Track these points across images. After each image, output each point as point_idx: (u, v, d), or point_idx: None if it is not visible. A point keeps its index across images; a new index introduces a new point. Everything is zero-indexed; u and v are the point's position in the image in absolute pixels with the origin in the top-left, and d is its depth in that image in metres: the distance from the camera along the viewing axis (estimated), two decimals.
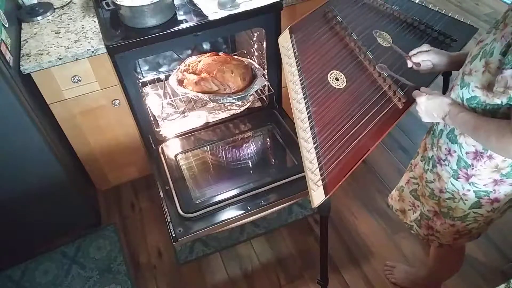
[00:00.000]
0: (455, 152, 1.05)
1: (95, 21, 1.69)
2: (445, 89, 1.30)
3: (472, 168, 1.03)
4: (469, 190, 1.08)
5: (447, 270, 1.51)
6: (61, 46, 1.57)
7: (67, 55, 1.53)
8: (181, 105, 2.08)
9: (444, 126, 1.09)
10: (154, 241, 1.95)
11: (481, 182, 1.04)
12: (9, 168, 1.58)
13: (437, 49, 1.16)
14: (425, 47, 1.16)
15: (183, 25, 1.61)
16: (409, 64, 1.17)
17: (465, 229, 1.19)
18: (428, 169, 1.19)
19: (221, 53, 2.02)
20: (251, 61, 2.03)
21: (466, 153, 1.03)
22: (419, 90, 1.09)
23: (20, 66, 1.49)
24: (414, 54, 1.16)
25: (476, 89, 0.95)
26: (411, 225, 1.36)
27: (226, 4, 1.62)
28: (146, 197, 2.13)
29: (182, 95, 1.97)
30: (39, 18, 1.72)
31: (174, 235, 1.53)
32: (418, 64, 1.15)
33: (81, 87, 1.65)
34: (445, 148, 1.08)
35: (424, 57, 1.14)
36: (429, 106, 1.04)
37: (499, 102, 0.89)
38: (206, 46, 2.25)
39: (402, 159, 2.21)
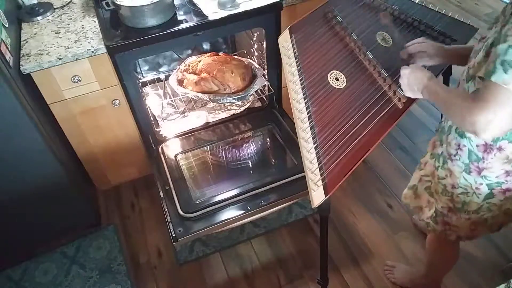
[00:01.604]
0: (465, 146, 1.06)
1: (95, 21, 1.69)
2: None
3: (483, 161, 1.04)
4: (481, 184, 1.08)
5: (442, 263, 1.51)
6: (61, 46, 1.57)
7: (67, 55, 1.53)
8: (181, 105, 2.08)
9: (452, 122, 1.10)
10: (154, 241, 1.95)
11: (493, 174, 1.05)
12: (9, 168, 1.58)
13: (432, 41, 1.20)
14: (420, 39, 1.21)
15: (183, 25, 1.61)
16: (403, 55, 1.22)
17: (480, 219, 1.19)
18: (439, 166, 1.19)
19: (221, 53, 2.02)
20: (251, 61, 2.03)
21: (477, 145, 1.03)
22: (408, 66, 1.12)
23: (20, 66, 1.49)
24: (408, 46, 1.21)
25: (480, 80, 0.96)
26: (427, 222, 1.35)
27: (226, 4, 1.62)
28: (146, 197, 2.14)
29: (182, 95, 1.97)
30: (39, 18, 1.72)
31: (174, 235, 1.53)
32: (412, 55, 1.20)
33: (81, 87, 1.65)
34: (455, 143, 1.09)
35: (418, 48, 1.19)
36: (411, 79, 1.08)
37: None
38: (206, 46, 2.25)
39: (402, 159, 2.21)
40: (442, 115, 1.15)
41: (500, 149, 1.00)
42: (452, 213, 1.22)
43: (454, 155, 1.10)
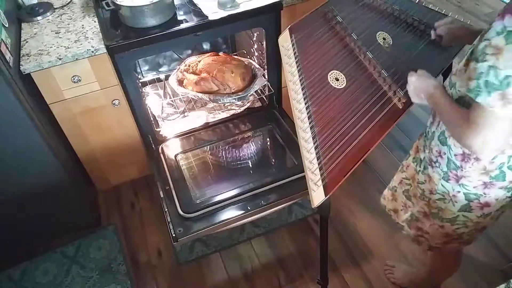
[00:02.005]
0: (445, 154, 1.06)
1: (95, 21, 1.70)
2: None
3: (462, 170, 1.04)
4: (459, 191, 1.08)
5: (444, 271, 1.52)
6: (61, 46, 1.57)
7: (67, 55, 1.53)
8: (181, 105, 2.08)
9: (436, 128, 1.10)
10: (154, 241, 1.95)
11: (471, 184, 1.05)
12: (9, 168, 1.58)
13: (461, 21, 1.22)
14: (450, 19, 1.22)
15: (183, 25, 1.61)
16: (433, 36, 1.25)
17: (455, 233, 1.19)
18: (419, 171, 1.20)
19: (221, 53, 2.02)
20: (251, 61, 2.03)
21: (455, 155, 1.03)
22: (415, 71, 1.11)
23: (20, 66, 1.49)
24: (439, 26, 1.23)
25: (461, 88, 0.96)
26: (402, 225, 1.37)
27: (226, 4, 1.62)
28: (146, 197, 2.14)
29: (182, 95, 1.97)
30: (39, 18, 1.73)
31: (174, 235, 1.53)
32: (440, 37, 1.23)
33: (81, 87, 1.65)
34: (436, 150, 1.09)
35: (446, 30, 1.21)
36: (417, 86, 1.07)
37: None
38: (206, 46, 2.25)
39: (402, 159, 2.18)
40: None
41: (477, 159, 1.00)
42: (426, 218, 1.23)
43: (435, 162, 1.11)
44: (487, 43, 0.81)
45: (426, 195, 1.19)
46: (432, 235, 1.25)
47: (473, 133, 0.86)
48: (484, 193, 1.05)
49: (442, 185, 1.11)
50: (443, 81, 1.36)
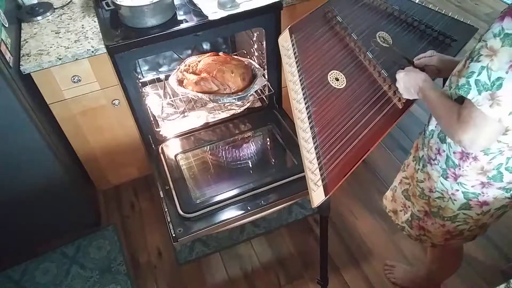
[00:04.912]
0: (444, 151, 1.07)
1: (95, 21, 1.70)
2: None
3: (460, 168, 1.04)
4: (457, 190, 1.09)
5: (445, 270, 1.51)
6: (61, 46, 1.57)
7: (67, 55, 1.53)
8: (181, 105, 2.08)
9: (435, 127, 1.10)
10: (154, 241, 1.95)
11: (469, 183, 1.05)
12: (9, 168, 1.57)
13: (442, 54, 1.17)
14: (429, 52, 1.18)
15: (183, 25, 1.61)
16: None
17: (456, 230, 1.19)
18: (418, 169, 1.20)
19: (221, 53, 2.02)
20: (251, 61, 2.03)
21: (454, 152, 1.04)
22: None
23: (20, 66, 1.49)
24: (418, 59, 1.18)
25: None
26: (403, 226, 1.37)
27: (226, 4, 1.62)
28: (146, 197, 2.14)
29: (182, 95, 1.97)
30: (39, 18, 1.73)
31: (174, 235, 1.53)
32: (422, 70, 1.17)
33: (81, 87, 1.65)
34: (435, 148, 1.09)
35: (427, 62, 1.16)
36: (406, 82, 1.09)
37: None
38: (206, 46, 2.25)
39: (402, 159, 2.19)
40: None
41: (475, 158, 1.00)
42: (428, 217, 1.23)
43: (434, 159, 1.11)
44: (483, 44, 0.83)
45: (425, 194, 1.19)
46: (434, 233, 1.25)
47: (462, 130, 0.89)
48: (482, 192, 1.05)
49: (441, 182, 1.11)
50: (443, 82, 1.36)
